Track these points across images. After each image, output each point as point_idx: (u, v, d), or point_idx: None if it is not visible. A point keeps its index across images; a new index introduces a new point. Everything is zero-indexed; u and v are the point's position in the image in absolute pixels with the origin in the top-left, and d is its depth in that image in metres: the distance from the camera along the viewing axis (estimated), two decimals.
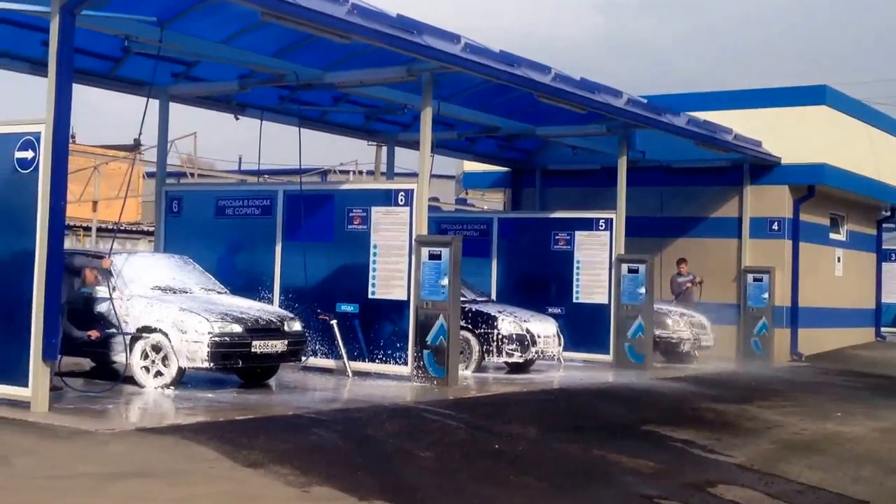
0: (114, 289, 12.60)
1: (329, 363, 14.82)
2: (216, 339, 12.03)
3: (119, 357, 12.49)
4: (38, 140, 10.12)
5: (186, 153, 45.22)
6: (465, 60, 14.10)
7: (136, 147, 37.36)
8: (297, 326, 13.15)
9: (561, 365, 17.66)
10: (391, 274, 14.40)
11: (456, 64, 14.08)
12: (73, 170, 32.71)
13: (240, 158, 47.49)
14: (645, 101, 18.86)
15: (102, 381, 12.28)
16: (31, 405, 9.90)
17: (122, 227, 26.25)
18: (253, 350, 12.33)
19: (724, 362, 19.57)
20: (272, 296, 15.42)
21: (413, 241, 14.13)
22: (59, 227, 10.09)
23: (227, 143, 79.91)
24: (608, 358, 18.08)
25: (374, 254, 14.56)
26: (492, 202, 34.69)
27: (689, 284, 20.61)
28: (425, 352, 13.87)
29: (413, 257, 14.11)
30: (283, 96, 18.01)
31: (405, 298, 14.21)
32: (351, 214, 14.83)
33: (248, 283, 15.57)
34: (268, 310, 13.18)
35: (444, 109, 16.97)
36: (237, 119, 17.83)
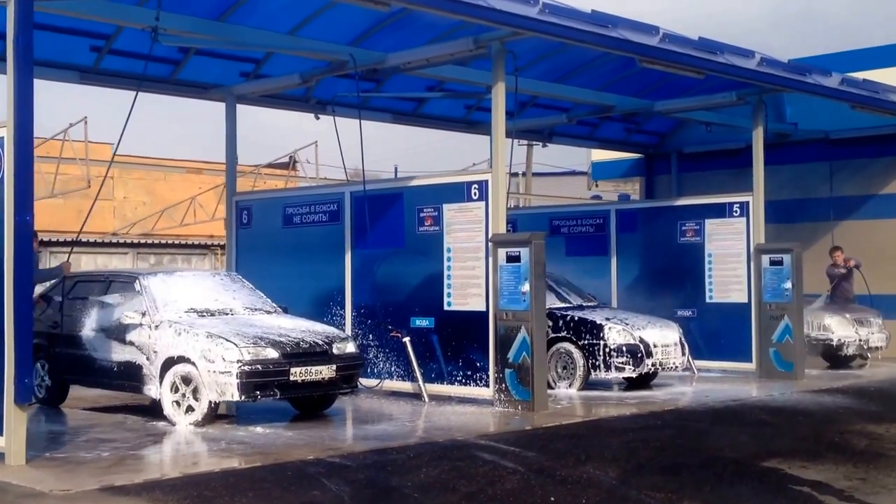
0: (143, 314, 11.02)
1: (406, 386, 12.83)
2: (246, 367, 10.24)
3: (149, 389, 10.88)
4: (1, 145, 8.52)
5: (353, 168, 44.45)
6: (542, 23, 11.86)
7: (292, 165, 36.82)
8: (349, 348, 11.21)
9: (694, 377, 15.22)
10: (467, 281, 12.30)
11: (530, 28, 11.86)
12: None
13: (395, 168, 46.34)
14: (785, 62, 16.07)
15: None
16: (5, 457, 8.33)
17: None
18: (292, 378, 10.47)
19: None
20: (344, 312, 13.57)
21: (488, 242, 12.00)
22: (25, 247, 8.44)
23: (389, 153, 79.22)
24: (751, 367, 15.42)
25: (449, 258, 12.48)
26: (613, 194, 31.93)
27: (842, 271, 17.57)
28: (507, 371, 11.71)
29: (490, 260, 11.97)
30: (367, 90, 16.20)
31: (483, 309, 12.08)
32: (422, 214, 12.80)
33: (317, 298, 13.86)
34: (315, 330, 11.28)
35: (528, 86, 14.82)
36: (318, 118, 16.08)
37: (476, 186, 12.20)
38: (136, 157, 36.92)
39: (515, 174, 31.94)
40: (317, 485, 7.74)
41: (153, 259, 32.24)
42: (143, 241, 32.39)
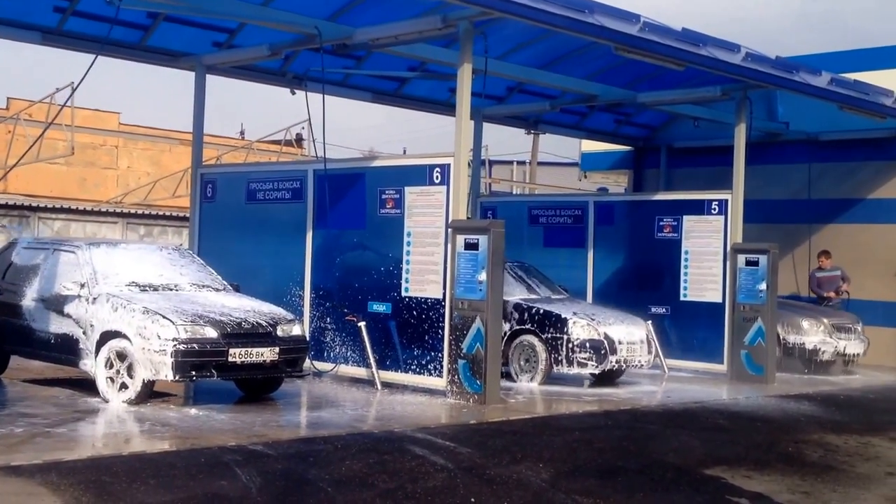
0: (82, 286, 10.67)
1: (361, 372, 12.47)
2: (182, 346, 9.88)
3: (85, 364, 10.54)
4: None
5: (370, 148, 43.90)
6: (512, 4, 11.43)
7: (299, 141, 36.48)
8: (295, 331, 10.85)
9: (664, 376, 14.85)
10: (426, 267, 11.90)
11: (499, 9, 11.45)
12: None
13: (404, 150, 45.83)
14: (773, 58, 15.61)
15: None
16: None
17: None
18: (230, 359, 10.11)
19: (884, 373, 16.24)
20: (303, 293, 13.19)
21: (448, 228, 11.61)
22: None
23: (396, 135, 78.80)
24: (722, 368, 15.04)
25: (409, 243, 12.09)
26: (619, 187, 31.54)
27: (843, 286, 17.18)
28: (460, 362, 11.33)
29: (448, 247, 11.58)
30: (348, 67, 15.84)
31: (440, 297, 11.70)
32: (384, 196, 12.40)
33: (277, 277, 13.49)
34: (260, 310, 10.90)
35: (509, 71, 14.53)
36: (293, 94, 15.63)
37: (438, 170, 11.80)
38: (142, 128, 36.67)
39: (484, 161, 31.43)
40: (227, 474, 7.37)
41: (143, 230, 31.94)
42: (133, 210, 32.10)
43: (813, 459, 9.33)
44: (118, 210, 31.99)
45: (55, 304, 10.86)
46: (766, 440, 10.18)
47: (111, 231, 31.03)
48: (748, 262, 14.73)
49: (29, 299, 11.22)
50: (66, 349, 10.72)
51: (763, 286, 14.56)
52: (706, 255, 15.47)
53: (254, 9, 12.77)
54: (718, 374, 15.02)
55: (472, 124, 12.29)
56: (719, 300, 15.21)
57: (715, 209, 15.43)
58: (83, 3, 12.97)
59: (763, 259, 14.62)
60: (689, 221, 15.71)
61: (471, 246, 11.31)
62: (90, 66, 11.33)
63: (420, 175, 11.99)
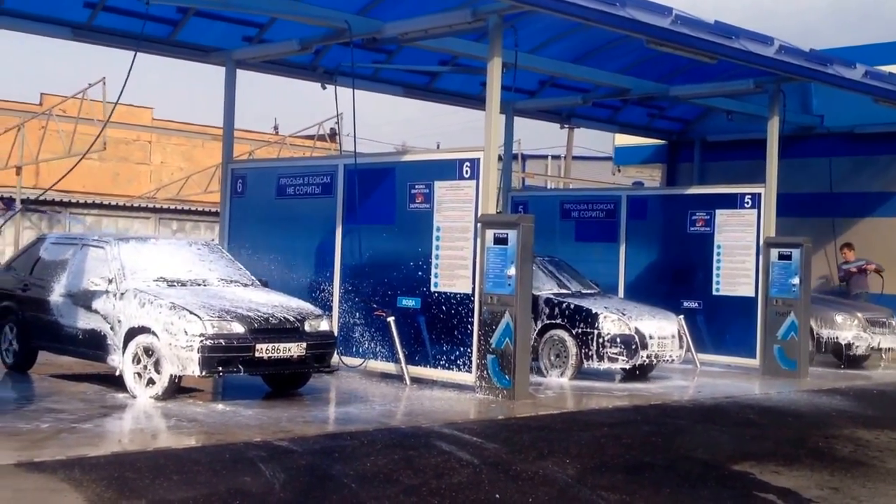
0: (110, 281, 10.71)
1: (390, 367, 12.44)
2: (209, 342, 9.88)
3: (112, 359, 10.58)
4: None
5: (402, 142, 43.87)
6: None
7: (332, 136, 36.56)
8: (323, 326, 10.82)
9: (696, 371, 14.71)
10: (455, 262, 11.85)
11: (527, 2, 11.38)
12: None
13: (437, 145, 45.76)
14: (807, 50, 15.40)
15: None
16: None
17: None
18: (257, 355, 10.10)
19: None
20: (332, 288, 13.18)
21: (477, 222, 11.54)
22: None
23: (428, 130, 78.68)
24: (755, 363, 14.87)
25: (438, 237, 12.04)
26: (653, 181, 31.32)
27: (854, 270, 16.94)
28: (489, 357, 11.27)
29: (478, 241, 11.52)
30: (378, 61, 15.81)
31: (469, 291, 11.64)
32: (413, 191, 12.35)
33: (306, 272, 13.52)
34: (288, 306, 10.89)
35: (541, 65, 14.45)
36: (324, 88, 15.63)
37: (468, 164, 11.74)
38: (175, 123, 36.89)
39: (517, 155, 31.24)
40: (251, 470, 7.36)
41: (175, 225, 32.17)
42: (166, 205, 32.30)
43: (843, 455, 9.19)
44: (151, 205, 32.21)
45: (83, 299, 10.91)
46: (796, 435, 10.04)
47: (144, 226, 31.27)
48: (781, 256, 14.56)
49: (57, 295, 11.28)
50: (94, 345, 10.77)
51: (796, 280, 14.38)
52: (739, 250, 15.31)
53: (284, 3, 12.76)
54: (751, 369, 14.87)
55: (502, 118, 12.22)
56: (752, 294, 15.05)
57: (748, 203, 15.26)
58: None
59: (796, 253, 14.45)
60: (721, 215, 15.56)
61: (500, 240, 11.24)
62: (131, 65, 11.40)
63: (450, 169, 11.93)
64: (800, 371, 14.21)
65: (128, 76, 11.36)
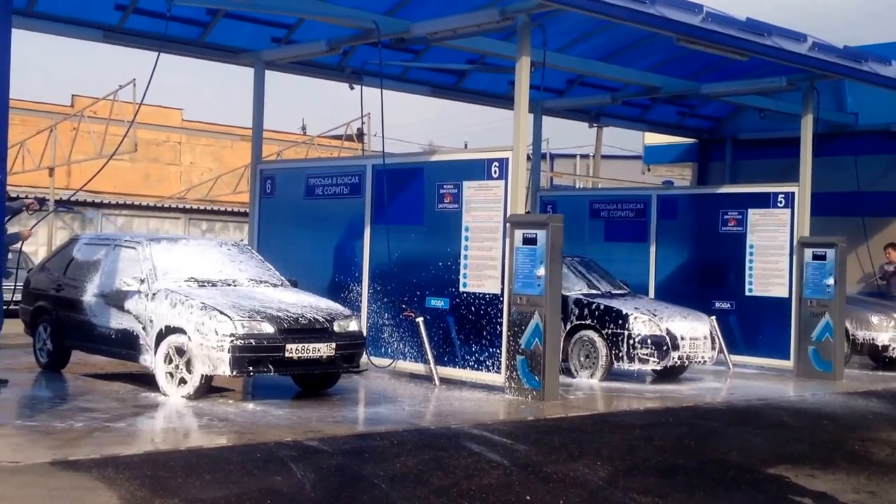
0: (142, 281, 10.75)
1: (419, 368, 12.41)
2: (239, 342, 9.89)
3: (145, 359, 10.62)
4: None
5: (430, 142, 43.76)
6: None
7: (360, 136, 36.67)
8: (352, 326, 10.81)
9: (728, 373, 14.60)
10: (484, 262, 11.80)
11: (555, 0, 11.32)
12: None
13: (465, 144, 45.73)
14: (841, 47, 15.23)
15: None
16: None
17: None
18: (287, 355, 10.10)
19: None
20: (360, 288, 13.17)
21: (506, 222, 11.49)
22: None
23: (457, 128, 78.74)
24: (789, 364, 14.73)
25: (466, 238, 12.00)
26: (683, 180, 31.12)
27: (892, 270, 16.76)
28: (519, 357, 11.22)
29: (506, 241, 11.47)
30: (406, 61, 15.80)
31: (498, 292, 11.59)
32: (442, 191, 12.32)
33: (335, 272, 13.51)
34: (318, 306, 10.89)
35: (569, 64, 14.39)
36: (352, 89, 15.64)
37: (496, 164, 11.69)
38: (204, 124, 37.09)
39: (545, 155, 31.13)
40: (282, 470, 7.35)
41: (205, 225, 32.33)
42: (196, 206, 32.46)
43: (880, 458, 9.08)
44: (181, 206, 32.36)
45: (115, 299, 10.96)
46: (831, 438, 9.93)
47: (174, 226, 31.45)
48: (815, 257, 14.41)
49: (90, 295, 11.34)
50: (127, 344, 10.81)
51: (831, 281, 14.23)
52: (772, 250, 15.17)
53: (312, 4, 12.79)
54: (785, 371, 14.73)
55: (531, 118, 12.16)
56: (785, 295, 14.90)
57: (781, 202, 15.12)
58: (143, 0, 13.09)
59: (831, 253, 14.30)
60: (754, 215, 15.42)
61: (529, 241, 11.18)
62: (154, 67, 11.41)
63: (478, 169, 11.89)
64: (835, 373, 14.06)
65: (151, 77, 11.43)
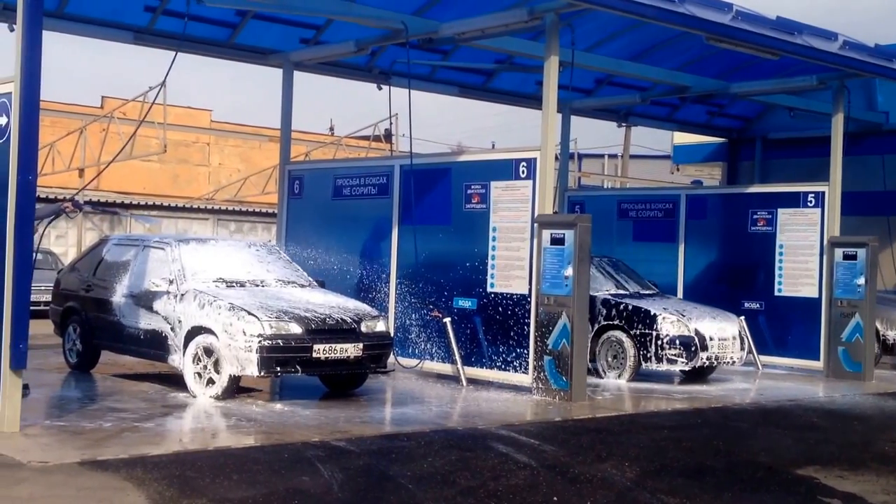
0: (171, 282, 10.81)
1: (446, 368, 12.41)
2: (267, 342, 9.93)
3: (173, 359, 10.68)
4: (9, 102, 8.28)
5: (458, 142, 43.65)
6: None
7: (388, 136, 36.71)
8: (379, 327, 10.83)
9: (757, 373, 14.51)
10: (511, 262, 11.79)
11: (584, 0, 11.29)
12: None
13: (493, 144, 45.73)
14: (872, 45, 15.09)
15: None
16: None
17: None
18: (315, 355, 10.13)
19: None
20: (388, 288, 13.19)
21: (534, 222, 11.47)
22: (27, 208, 8.19)
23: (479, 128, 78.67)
24: (818, 365, 14.62)
25: (494, 238, 11.99)
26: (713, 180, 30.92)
27: None
28: (546, 358, 11.19)
29: (534, 242, 11.45)
30: (433, 61, 15.80)
31: (526, 292, 11.57)
32: (469, 192, 12.32)
33: (363, 273, 13.54)
34: (346, 307, 10.91)
35: (598, 63, 14.37)
36: (380, 89, 15.67)
37: (524, 164, 11.67)
38: (233, 125, 37.27)
39: (573, 154, 31.00)
40: (309, 470, 7.38)
41: (233, 226, 32.48)
42: (224, 207, 32.61)
43: None
44: (209, 206, 32.51)
45: (144, 300, 11.03)
46: (861, 439, 9.85)
47: (202, 227, 31.61)
48: (846, 256, 14.30)
49: (119, 295, 11.41)
50: (155, 345, 10.87)
51: (861, 281, 14.12)
52: (802, 249, 15.07)
53: (341, 5, 12.81)
54: (814, 372, 14.63)
55: (559, 118, 12.14)
56: (815, 295, 14.80)
57: (811, 202, 15.01)
58: (173, 2, 13.16)
59: (861, 253, 14.19)
60: (784, 214, 15.32)
61: (557, 241, 11.16)
62: (171, 63, 11.35)
63: (506, 169, 11.88)
64: (865, 374, 13.95)
65: (166, 77, 11.56)
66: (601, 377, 13.07)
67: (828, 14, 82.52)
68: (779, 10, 13.77)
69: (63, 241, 28.47)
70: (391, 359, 11.63)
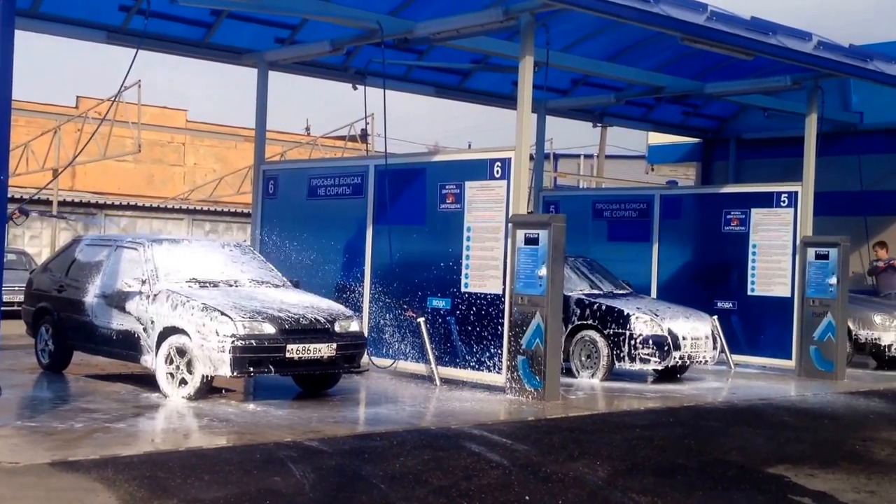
0: (143, 282, 10.77)
1: (420, 368, 12.41)
2: (240, 342, 9.90)
3: (146, 360, 10.63)
4: None
5: (434, 142, 43.63)
6: None
7: (364, 137, 36.65)
8: (353, 327, 10.83)
9: (730, 372, 14.59)
10: (486, 262, 11.81)
11: (560, 0, 11.32)
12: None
13: (469, 144, 45.71)
14: (846, 46, 15.19)
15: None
16: None
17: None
18: (288, 356, 10.12)
19: None
20: (362, 288, 13.18)
21: (508, 222, 11.50)
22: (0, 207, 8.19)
23: (461, 128, 78.69)
24: (790, 364, 14.72)
25: (468, 238, 12.00)
26: (688, 179, 31.04)
27: (882, 266, 16.79)
28: (520, 358, 11.22)
29: (508, 241, 11.47)
30: (409, 61, 15.81)
31: (500, 292, 11.59)
32: (444, 192, 12.33)
33: (337, 273, 13.52)
34: (319, 307, 10.90)
35: (573, 63, 14.41)
36: (355, 89, 15.65)
37: (499, 164, 11.69)
38: (208, 125, 37.13)
39: (549, 155, 31.08)
40: (281, 470, 7.36)
41: (208, 226, 32.36)
42: (199, 207, 32.50)
43: (881, 458, 9.06)
44: (184, 207, 32.39)
45: (117, 300, 10.98)
46: (832, 438, 9.93)
47: (177, 227, 31.49)
48: (818, 256, 14.40)
49: (91, 296, 11.35)
50: (128, 345, 10.83)
51: (833, 280, 14.22)
52: (775, 249, 15.17)
53: (316, 4, 12.78)
54: (786, 371, 14.73)
55: (534, 118, 12.17)
56: (788, 295, 14.90)
57: (784, 202, 15.10)
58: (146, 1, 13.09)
59: (833, 252, 14.29)
60: (757, 214, 15.41)
61: (531, 241, 11.18)
62: (132, 60, 11.22)
63: (481, 169, 11.90)
64: (837, 373, 14.06)
65: (128, 73, 11.43)
66: (575, 377, 13.11)
67: (821, 16, 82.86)
68: (778, 13, 13.85)
69: (37, 242, 28.31)
70: (365, 359, 11.64)
